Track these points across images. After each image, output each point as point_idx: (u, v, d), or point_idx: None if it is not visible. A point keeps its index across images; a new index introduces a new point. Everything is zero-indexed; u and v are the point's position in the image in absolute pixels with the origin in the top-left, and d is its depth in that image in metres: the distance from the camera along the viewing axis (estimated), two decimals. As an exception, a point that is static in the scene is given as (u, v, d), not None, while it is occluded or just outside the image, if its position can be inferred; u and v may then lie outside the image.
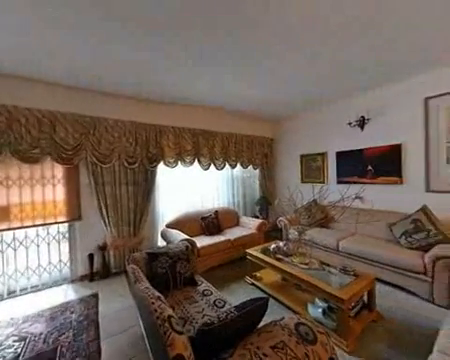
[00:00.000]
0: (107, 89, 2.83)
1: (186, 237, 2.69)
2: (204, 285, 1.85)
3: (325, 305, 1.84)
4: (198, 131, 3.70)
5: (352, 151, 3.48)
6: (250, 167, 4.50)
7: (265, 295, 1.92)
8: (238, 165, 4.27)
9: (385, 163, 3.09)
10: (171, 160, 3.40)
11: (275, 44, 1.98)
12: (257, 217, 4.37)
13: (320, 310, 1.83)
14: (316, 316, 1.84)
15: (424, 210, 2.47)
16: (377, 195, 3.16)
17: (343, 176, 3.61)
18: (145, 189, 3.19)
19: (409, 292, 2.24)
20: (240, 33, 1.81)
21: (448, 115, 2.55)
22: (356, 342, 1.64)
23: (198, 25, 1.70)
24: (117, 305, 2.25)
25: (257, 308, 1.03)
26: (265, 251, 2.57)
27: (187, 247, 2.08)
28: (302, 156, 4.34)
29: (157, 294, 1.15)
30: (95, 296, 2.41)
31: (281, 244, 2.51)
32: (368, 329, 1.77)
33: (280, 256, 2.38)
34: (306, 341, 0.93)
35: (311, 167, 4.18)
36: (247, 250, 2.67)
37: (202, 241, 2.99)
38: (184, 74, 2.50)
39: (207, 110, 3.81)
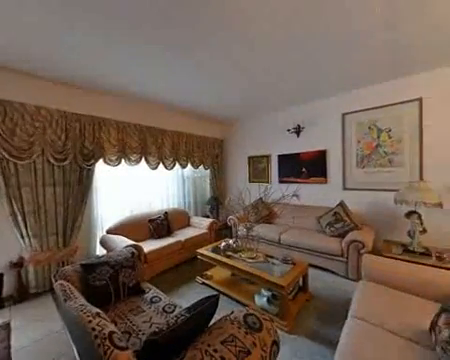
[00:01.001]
0: (24, 67, 2.28)
1: (131, 243, 2.46)
2: (152, 292, 1.74)
3: (269, 293, 2.03)
4: (146, 127, 3.45)
5: (290, 154, 3.96)
6: (201, 167, 4.50)
7: (216, 292, 1.96)
8: (189, 165, 4.21)
9: (315, 166, 3.65)
10: (113, 158, 3.03)
11: (215, 59, 2.05)
12: (208, 217, 4.42)
13: (265, 299, 2.01)
14: (262, 305, 2.00)
15: (341, 205, 3.05)
16: (309, 193, 3.70)
17: (284, 176, 4.07)
18: (79, 191, 2.73)
19: (332, 272, 2.72)
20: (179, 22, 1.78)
21: (357, 128, 3.23)
22: (293, 322, 1.88)
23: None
24: (37, 334, 1.84)
25: (208, 307, 1.04)
26: (216, 249, 2.63)
27: (133, 253, 1.90)
28: (250, 158, 4.65)
29: (95, 310, 1.00)
30: (6, 327, 1.91)
31: (231, 241, 2.62)
32: (303, 308, 2.06)
33: (230, 253, 2.48)
34: (253, 330, 1.00)
35: (258, 168, 4.52)
36: (198, 250, 2.67)
37: (150, 245, 2.80)
38: (120, 60, 2.20)
39: (156, 106, 3.60)
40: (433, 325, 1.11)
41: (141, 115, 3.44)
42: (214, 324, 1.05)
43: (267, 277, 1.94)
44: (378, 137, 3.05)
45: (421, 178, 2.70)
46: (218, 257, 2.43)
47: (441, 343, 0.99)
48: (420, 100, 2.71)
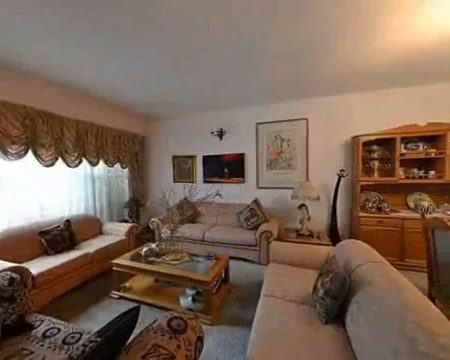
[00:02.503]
0: None
1: (8, 265, 1.82)
2: (46, 324, 1.35)
3: (194, 292, 2.06)
4: (38, 112, 2.63)
5: (215, 156, 4.19)
6: (117, 165, 3.96)
7: (136, 304, 1.78)
8: (101, 162, 3.59)
9: (236, 167, 4.05)
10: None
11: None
12: (127, 221, 3.94)
13: (190, 298, 2.02)
14: (187, 305, 2.00)
15: (256, 201, 3.55)
16: (231, 192, 4.06)
17: (208, 177, 4.25)
18: None
19: (248, 261, 3.11)
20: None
21: (267, 137, 3.85)
22: (216, 314, 2.00)
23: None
24: None
25: (125, 323, 0.93)
26: (136, 257, 2.39)
27: (11, 280, 1.41)
28: (175, 157, 4.53)
29: None
30: None
31: (153, 246, 2.46)
32: (224, 299, 2.23)
33: (152, 258, 2.32)
34: (178, 332, 0.98)
35: (183, 168, 4.49)
36: (114, 261, 2.33)
37: (42, 265, 2.17)
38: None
39: (53, 87, 2.83)
40: (314, 288, 1.49)
41: (30, 95, 2.60)
42: (133, 340, 0.95)
43: (191, 276, 1.96)
44: (281, 145, 3.77)
45: (307, 178, 3.57)
46: (138, 265, 2.22)
47: (318, 300, 1.35)
48: (307, 119, 3.58)
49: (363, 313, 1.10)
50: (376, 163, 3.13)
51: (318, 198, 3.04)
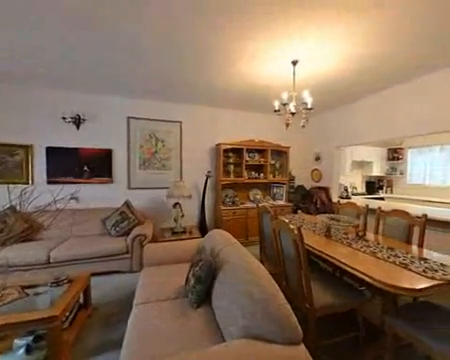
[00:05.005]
0: None
1: None
2: None
3: (29, 338, 1.45)
4: None
5: (67, 149, 3.22)
6: None
7: None
8: None
9: (100, 164, 3.38)
10: None
11: None
12: None
13: (22, 350, 1.40)
14: (14, 363, 1.36)
15: (127, 203, 3.19)
16: (93, 194, 3.33)
17: (56, 176, 3.19)
18: None
19: (118, 272, 2.72)
20: None
21: (140, 134, 3.60)
22: (71, 352, 1.55)
23: None
24: None
25: None
26: None
27: None
28: (-13, 145, 2.93)
29: None
30: None
31: None
32: (83, 329, 1.78)
33: None
34: None
35: (7, 162, 3.01)
36: None
37: None
38: None
39: None
40: (187, 279, 1.60)
41: None
42: None
43: (25, 318, 1.36)
44: (156, 145, 3.69)
45: (181, 178, 3.79)
46: None
47: (190, 289, 1.47)
48: (180, 123, 3.80)
49: (222, 287, 1.36)
50: (232, 167, 4.01)
51: (190, 196, 3.33)
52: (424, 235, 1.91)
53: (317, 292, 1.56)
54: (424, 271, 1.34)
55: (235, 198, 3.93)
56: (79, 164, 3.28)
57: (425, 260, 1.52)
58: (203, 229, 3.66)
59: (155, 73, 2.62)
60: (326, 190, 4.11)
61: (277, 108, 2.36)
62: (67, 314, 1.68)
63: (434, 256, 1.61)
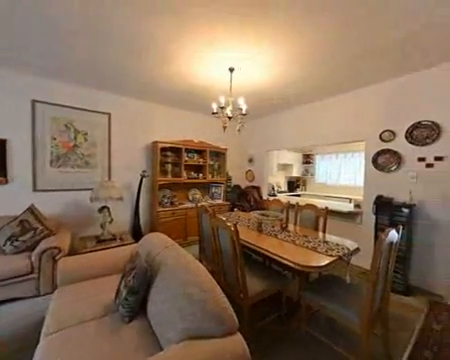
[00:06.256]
0: None
1: None
2: None
3: None
4: None
5: None
6: None
7: None
8: None
9: (-15, 159, 2.50)
10: None
11: None
12: None
13: None
14: None
15: (31, 209, 2.51)
16: (-28, 200, 2.43)
17: None
18: None
19: (15, 299, 2.09)
20: None
21: (52, 123, 2.91)
22: None
23: None
24: None
25: None
26: None
27: None
28: None
29: None
30: None
31: None
32: None
33: None
34: None
35: None
36: None
37: None
38: None
39: None
40: (118, 291, 1.42)
41: None
42: None
43: None
44: (75, 138, 3.07)
45: (109, 178, 3.32)
46: None
47: (121, 302, 1.31)
48: (109, 115, 3.32)
49: (159, 293, 1.28)
50: (170, 166, 3.84)
51: (121, 198, 2.96)
52: (326, 223, 2.45)
53: (250, 282, 1.71)
54: (326, 251, 1.72)
55: (173, 198, 3.79)
56: None
57: (327, 242, 1.94)
58: (137, 234, 3.33)
59: (71, 47, 2.15)
60: (258, 189, 4.59)
61: (215, 110, 2.44)
62: None
63: (333, 239, 2.08)
